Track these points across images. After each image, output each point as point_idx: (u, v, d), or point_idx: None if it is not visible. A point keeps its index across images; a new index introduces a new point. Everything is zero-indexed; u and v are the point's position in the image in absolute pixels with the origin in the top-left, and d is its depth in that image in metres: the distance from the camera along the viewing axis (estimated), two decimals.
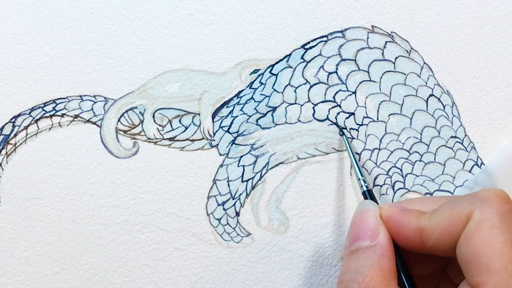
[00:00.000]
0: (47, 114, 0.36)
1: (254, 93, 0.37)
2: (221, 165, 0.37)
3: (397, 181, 0.38)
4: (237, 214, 0.37)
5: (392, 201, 0.38)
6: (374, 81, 0.38)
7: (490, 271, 0.23)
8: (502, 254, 0.23)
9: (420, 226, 0.27)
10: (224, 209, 0.37)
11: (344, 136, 0.36)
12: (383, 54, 0.38)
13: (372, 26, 0.38)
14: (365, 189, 0.33)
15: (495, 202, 0.25)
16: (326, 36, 0.38)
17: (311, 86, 0.37)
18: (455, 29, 0.38)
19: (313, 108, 0.37)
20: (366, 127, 0.38)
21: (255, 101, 0.37)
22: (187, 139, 0.37)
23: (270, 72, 0.37)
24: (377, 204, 0.30)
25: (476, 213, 0.25)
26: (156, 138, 0.37)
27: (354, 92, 0.38)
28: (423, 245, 0.27)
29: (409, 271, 0.28)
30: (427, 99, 0.38)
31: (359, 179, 0.33)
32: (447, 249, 0.26)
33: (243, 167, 0.37)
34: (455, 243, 0.25)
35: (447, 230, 0.26)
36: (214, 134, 0.37)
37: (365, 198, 0.32)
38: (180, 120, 0.37)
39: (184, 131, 0.37)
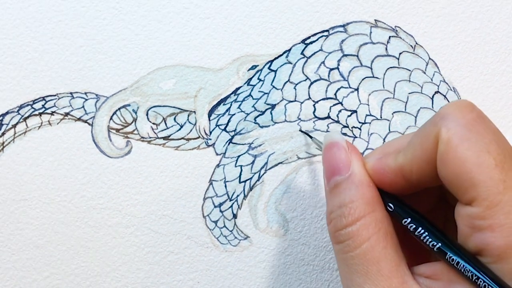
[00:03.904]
0: (36, 112, 0.36)
1: (252, 90, 0.37)
2: (218, 165, 0.37)
3: None
4: (235, 216, 0.37)
5: None
6: (377, 78, 0.37)
7: (476, 185, 0.23)
8: (480, 164, 0.23)
9: (398, 165, 0.26)
10: (220, 211, 0.37)
11: (313, 139, 0.36)
12: (386, 49, 0.38)
13: (375, 20, 0.38)
14: None
15: (458, 114, 0.24)
16: (327, 30, 0.37)
17: (311, 83, 0.37)
18: (461, 24, 0.38)
19: (314, 105, 0.37)
20: (369, 125, 0.37)
21: (253, 99, 0.37)
22: (182, 138, 0.37)
23: (268, 68, 0.37)
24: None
25: (443, 131, 0.24)
26: (150, 137, 0.36)
27: (357, 89, 0.37)
28: (409, 184, 0.27)
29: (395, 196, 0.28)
30: (433, 96, 0.38)
31: None
32: (432, 178, 0.26)
33: (241, 167, 0.37)
34: (435, 169, 0.25)
35: (423, 159, 0.25)
36: (211, 132, 0.37)
37: None
38: (175, 118, 0.37)
39: (179, 129, 0.37)
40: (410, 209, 0.27)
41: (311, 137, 0.36)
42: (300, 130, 0.37)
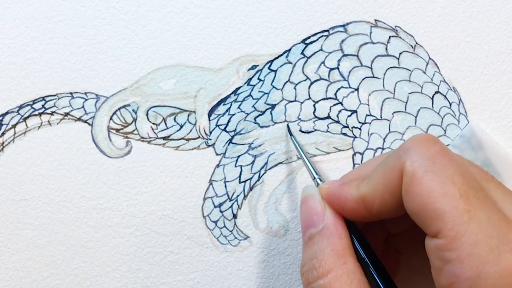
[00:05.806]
0: (36, 112, 0.36)
1: (252, 90, 0.37)
2: (218, 165, 0.36)
3: None
4: (235, 216, 0.36)
5: None
6: (377, 78, 0.37)
7: (441, 215, 0.23)
8: (445, 194, 0.23)
9: (361, 195, 0.27)
10: (220, 211, 0.36)
11: (292, 137, 0.36)
12: (386, 49, 0.37)
13: (375, 20, 0.37)
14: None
15: (422, 147, 0.25)
16: (327, 30, 0.37)
17: (311, 83, 0.37)
18: (462, 23, 0.38)
19: (314, 105, 0.37)
20: (369, 125, 0.37)
21: (253, 99, 0.37)
22: (182, 138, 0.36)
23: (269, 68, 0.37)
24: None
25: (407, 164, 0.24)
26: (150, 137, 0.36)
27: (357, 89, 0.37)
28: (370, 213, 0.27)
29: (367, 242, 0.28)
30: (433, 96, 0.37)
31: (314, 178, 0.32)
32: (394, 209, 0.26)
33: (241, 167, 0.36)
34: (399, 201, 0.25)
35: (386, 191, 0.26)
36: (211, 133, 0.37)
37: None
38: (175, 118, 0.36)
39: (179, 129, 0.36)
40: (364, 245, 0.27)
41: (291, 135, 0.36)
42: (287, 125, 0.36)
